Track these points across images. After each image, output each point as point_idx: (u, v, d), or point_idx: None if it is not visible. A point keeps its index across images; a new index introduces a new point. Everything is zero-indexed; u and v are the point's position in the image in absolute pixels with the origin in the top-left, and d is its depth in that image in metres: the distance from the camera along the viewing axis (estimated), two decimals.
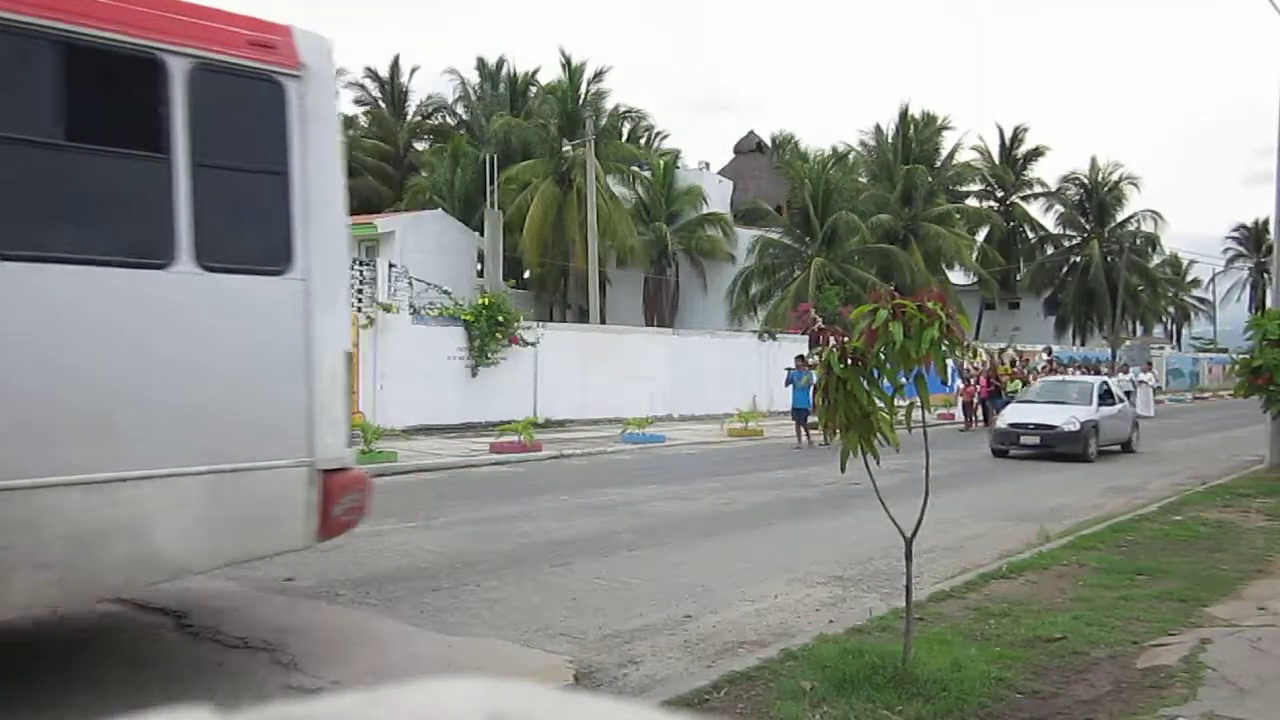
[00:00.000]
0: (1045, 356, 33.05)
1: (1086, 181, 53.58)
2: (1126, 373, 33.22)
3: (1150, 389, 32.20)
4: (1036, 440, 17.42)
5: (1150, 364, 36.41)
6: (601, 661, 5.84)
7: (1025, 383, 25.88)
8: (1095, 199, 53.04)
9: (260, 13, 5.56)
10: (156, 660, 5.69)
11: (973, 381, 25.51)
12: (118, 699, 5.07)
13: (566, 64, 41.62)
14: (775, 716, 4.74)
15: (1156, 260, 56.48)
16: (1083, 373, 31.59)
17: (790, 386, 20.69)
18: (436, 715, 0.69)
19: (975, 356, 26.63)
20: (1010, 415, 18.65)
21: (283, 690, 5.22)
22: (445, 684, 0.72)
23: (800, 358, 21.13)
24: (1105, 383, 20.14)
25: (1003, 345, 34.41)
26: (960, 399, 26.26)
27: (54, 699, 5.08)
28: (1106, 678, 5.36)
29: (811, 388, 19.61)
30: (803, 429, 19.62)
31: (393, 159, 49.46)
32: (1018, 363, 29.96)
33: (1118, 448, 19.21)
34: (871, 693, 4.88)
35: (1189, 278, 67.84)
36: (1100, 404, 18.60)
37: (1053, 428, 17.37)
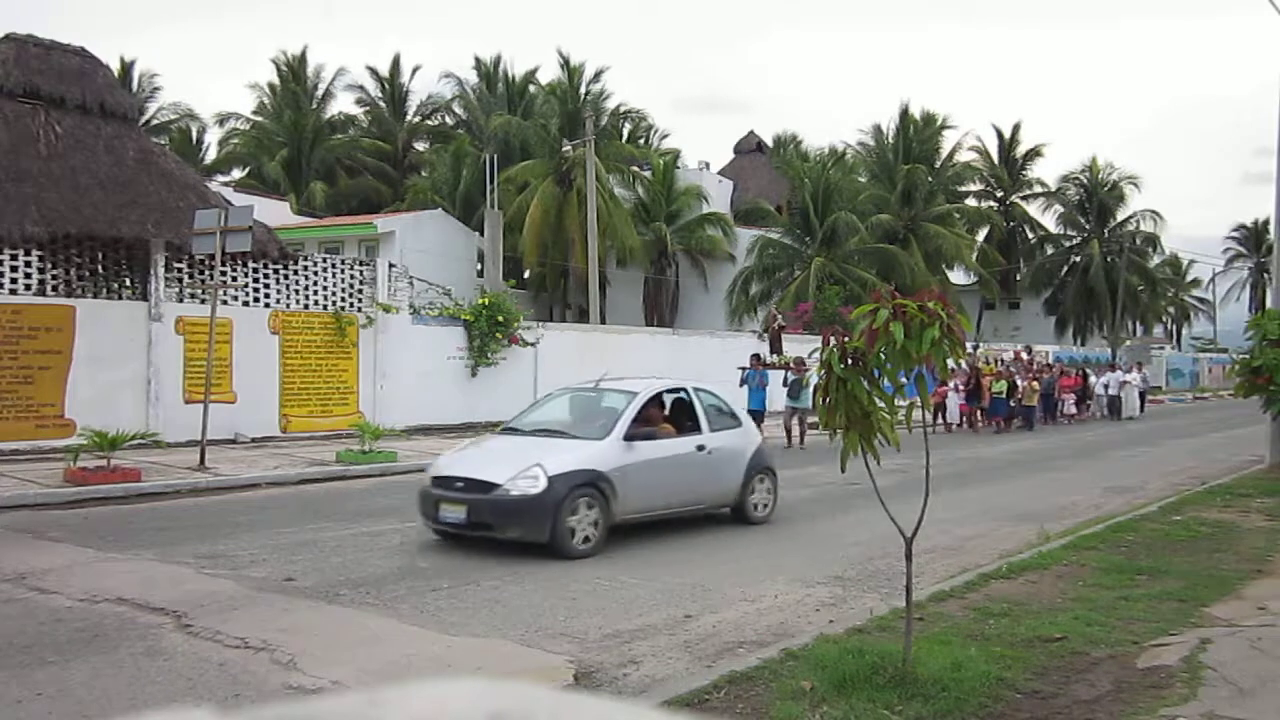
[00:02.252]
0: (1026, 355, 32.25)
1: (1086, 181, 53.57)
2: (1113, 371, 32.62)
3: (1136, 390, 31.72)
4: (462, 513, 8.84)
5: (1140, 364, 35.87)
6: (601, 661, 5.84)
7: (1012, 384, 25.45)
8: (1095, 199, 53.03)
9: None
10: (157, 660, 5.69)
11: (949, 382, 24.13)
12: (118, 699, 5.07)
13: (565, 64, 41.69)
14: (775, 716, 4.74)
15: (1156, 260, 56.47)
16: (1040, 373, 30.29)
17: (745, 387, 19.55)
18: (437, 715, 0.69)
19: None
20: (442, 463, 9.84)
21: (283, 690, 5.22)
22: (445, 684, 0.72)
23: (756, 356, 20.68)
24: (683, 393, 10.80)
25: (975, 346, 33.70)
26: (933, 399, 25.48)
27: (55, 699, 5.08)
28: (1107, 678, 5.36)
29: (766, 389, 19.53)
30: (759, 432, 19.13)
31: (393, 159, 49.49)
32: (1003, 362, 29.30)
33: (725, 510, 10.66)
34: (872, 693, 4.88)
35: (1189, 278, 67.87)
36: (635, 435, 9.54)
37: (490, 488, 8.81)
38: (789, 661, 5.49)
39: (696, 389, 10.84)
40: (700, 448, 10.14)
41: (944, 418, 24.77)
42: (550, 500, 8.60)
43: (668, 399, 10.73)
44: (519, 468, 8.87)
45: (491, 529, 8.78)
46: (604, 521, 9.01)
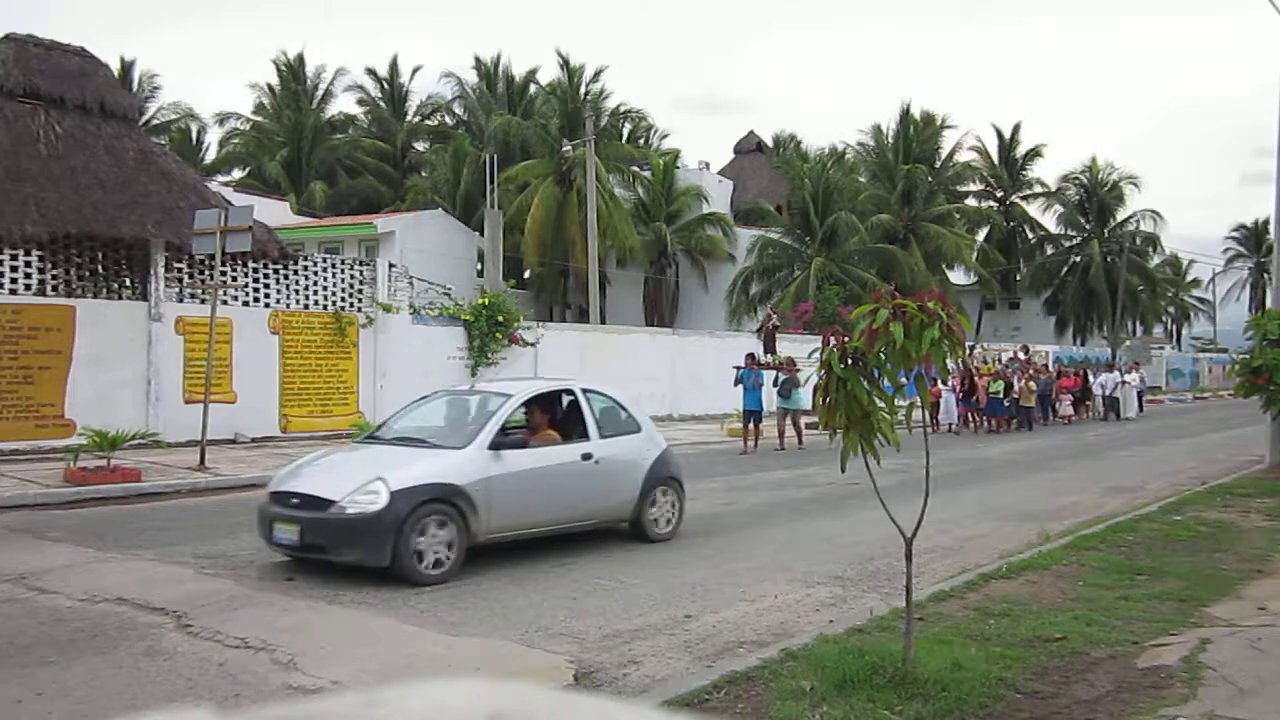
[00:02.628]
0: (1022, 356, 31.94)
1: (1086, 181, 53.60)
2: (1110, 372, 32.24)
3: (1135, 390, 31.46)
4: (295, 533, 7.88)
5: (1136, 364, 35.56)
6: (601, 661, 5.84)
7: (1008, 384, 25.31)
8: (1095, 199, 53.06)
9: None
10: (156, 660, 5.69)
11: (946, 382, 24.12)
12: (118, 699, 5.08)
13: (565, 64, 41.67)
14: (775, 716, 4.74)
15: (1156, 260, 56.49)
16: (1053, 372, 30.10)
17: (739, 387, 19.32)
18: (436, 715, 0.69)
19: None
20: (281, 476, 8.87)
21: (283, 690, 5.23)
22: (445, 684, 0.72)
23: (750, 356, 20.52)
24: (571, 396, 9.72)
25: (971, 346, 33.44)
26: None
27: (55, 699, 5.08)
28: (1106, 678, 5.36)
29: (761, 389, 19.48)
30: (754, 431, 18.91)
31: (393, 159, 49.50)
32: (1000, 362, 28.99)
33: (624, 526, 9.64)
34: (872, 693, 4.88)
35: (1189, 278, 67.88)
36: (504, 444, 8.56)
37: (325, 505, 7.84)
38: (789, 661, 5.49)
39: (587, 390, 9.79)
40: (586, 456, 9.11)
41: (935, 418, 24.58)
42: (391, 519, 7.59)
43: (561, 401, 9.70)
44: (358, 482, 7.90)
45: (326, 552, 7.82)
46: (461, 542, 7.98)
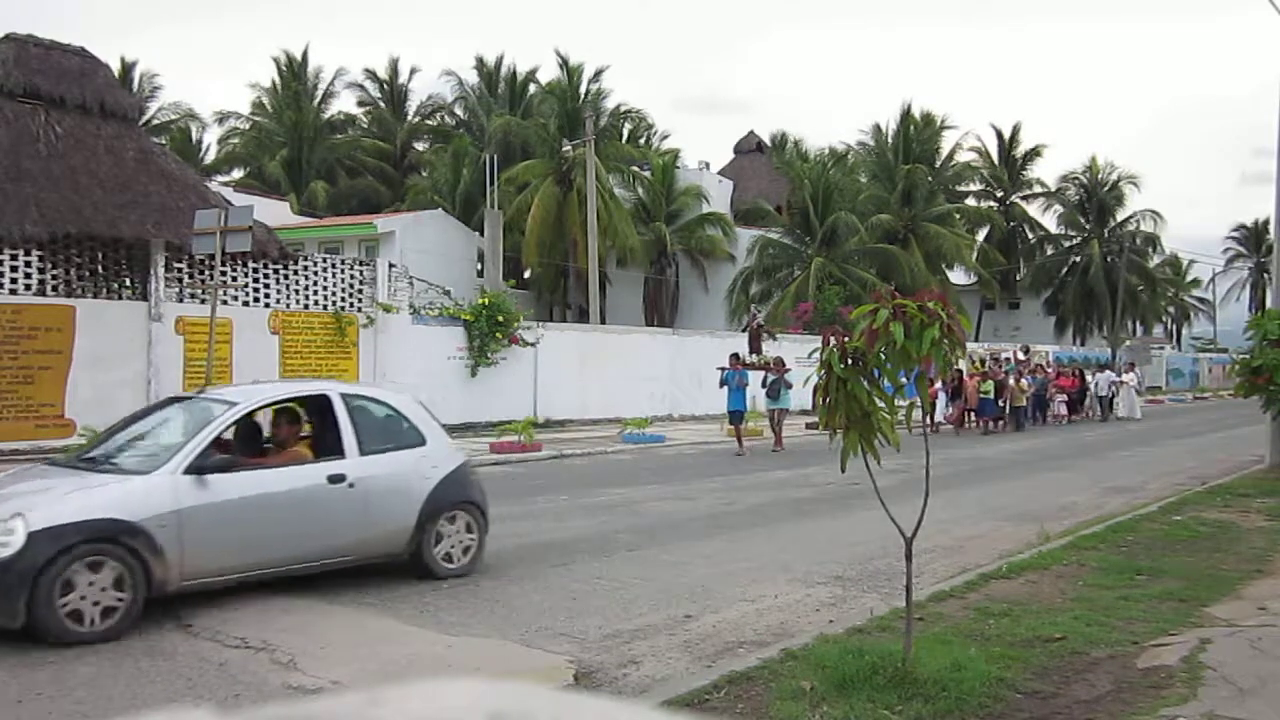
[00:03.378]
0: (1021, 355, 31.65)
1: (1086, 181, 53.62)
2: (1104, 371, 31.83)
3: (1133, 390, 31.32)
4: None
5: (1133, 364, 35.27)
6: (601, 661, 5.84)
7: (999, 384, 25.24)
8: (1095, 199, 53.08)
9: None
10: (156, 660, 5.70)
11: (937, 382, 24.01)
12: (118, 699, 5.08)
13: (564, 64, 41.65)
14: (775, 716, 4.74)
15: (1156, 260, 56.49)
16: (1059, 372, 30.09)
17: (724, 388, 19.07)
18: (436, 715, 0.69)
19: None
20: None
21: (283, 690, 5.23)
22: (445, 684, 0.72)
23: (735, 356, 20.39)
24: (326, 402, 7.81)
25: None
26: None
27: (55, 699, 5.09)
28: (1106, 678, 5.36)
29: (745, 389, 19.42)
30: (741, 433, 18.80)
31: (393, 159, 49.51)
32: (997, 361, 28.94)
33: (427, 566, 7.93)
34: (871, 693, 4.88)
35: (1189, 278, 67.88)
36: (210, 466, 6.80)
37: None
38: (789, 661, 5.48)
39: (350, 396, 7.99)
40: (336, 478, 7.38)
41: (931, 419, 24.43)
42: (25, 567, 5.94)
43: (316, 410, 7.89)
44: None
45: None
46: (136, 592, 6.29)
